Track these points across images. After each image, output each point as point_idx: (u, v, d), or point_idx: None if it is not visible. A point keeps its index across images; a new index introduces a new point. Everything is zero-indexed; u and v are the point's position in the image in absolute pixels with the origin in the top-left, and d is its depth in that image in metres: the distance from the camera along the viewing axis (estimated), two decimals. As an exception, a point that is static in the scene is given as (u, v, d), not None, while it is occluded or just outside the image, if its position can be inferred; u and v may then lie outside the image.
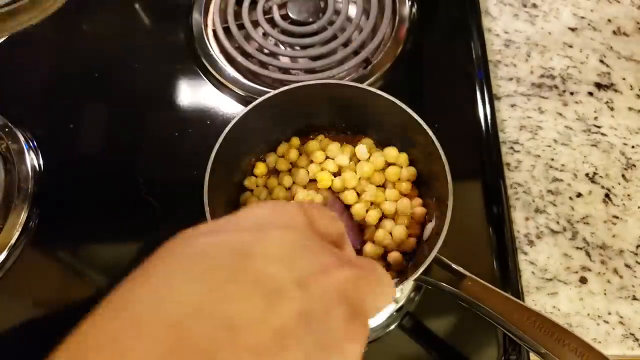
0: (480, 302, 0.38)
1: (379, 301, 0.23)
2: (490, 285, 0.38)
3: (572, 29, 0.63)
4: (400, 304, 0.48)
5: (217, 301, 0.18)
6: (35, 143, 0.57)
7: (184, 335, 0.17)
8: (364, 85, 0.46)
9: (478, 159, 0.55)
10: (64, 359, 0.17)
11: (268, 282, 0.19)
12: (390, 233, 0.45)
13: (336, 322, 0.20)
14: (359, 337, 0.21)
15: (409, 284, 0.48)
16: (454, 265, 0.40)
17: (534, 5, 0.65)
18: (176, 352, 0.17)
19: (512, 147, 0.57)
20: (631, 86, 0.60)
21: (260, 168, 0.49)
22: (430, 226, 0.44)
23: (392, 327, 0.48)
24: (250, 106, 0.44)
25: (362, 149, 0.48)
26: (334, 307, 0.20)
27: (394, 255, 0.44)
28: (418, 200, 0.47)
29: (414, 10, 0.64)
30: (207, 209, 0.40)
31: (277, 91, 0.45)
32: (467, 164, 0.55)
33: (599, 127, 0.58)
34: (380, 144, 0.50)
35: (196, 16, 0.64)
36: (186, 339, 0.17)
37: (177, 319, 0.17)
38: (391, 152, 0.48)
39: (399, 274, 0.44)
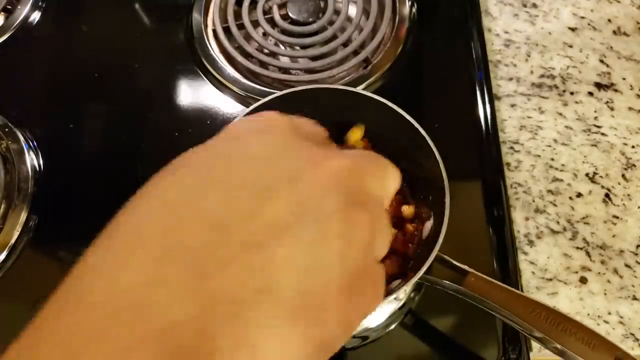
0: (485, 297, 0.38)
1: (383, 181, 0.22)
2: (493, 280, 0.39)
3: (572, 29, 0.63)
4: (402, 302, 0.48)
5: (204, 206, 0.18)
6: (35, 143, 0.57)
7: (176, 240, 0.17)
8: (358, 90, 0.46)
9: (478, 159, 0.55)
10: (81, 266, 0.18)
11: (254, 182, 0.19)
12: None
13: (332, 213, 0.19)
14: (361, 225, 0.20)
15: (410, 283, 0.48)
16: (455, 263, 0.40)
17: (534, 5, 0.65)
18: (169, 256, 0.17)
19: (512, 147, 0.57)
20: (631, 86, 0.60)
21: None
22: (428, 225, 0.44)
23: (394, 326, 0.48)
24: (249, 109, 0.44)
25: None
26: (328, 198, 0.19)
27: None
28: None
29: (414, 10, 0.63)
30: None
31: (277, 94, 0.45)
32: (467, 163, 0.55)
33: (599, 127, 0.58)
34: (375, 144, 0.50)
35: (196, 16, 0.64)
36: (179, 244, 0.17)
37: (167, 227, 0.18)
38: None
39: (400, 274, 0.45)
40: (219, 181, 0.19)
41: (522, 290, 0.49)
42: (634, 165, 0.55)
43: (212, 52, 0.61)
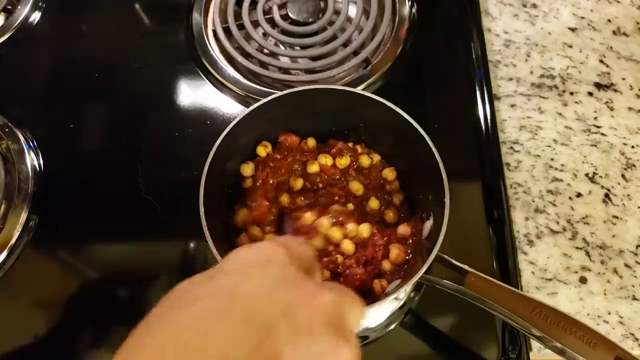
0: (485, 297, 0.38)
1: (358, 317, 0.26)
2: (494, 280, 0.39)
3: (572, 29, 0.63)
4: (402, 302, 0.48)
5: (212, 342, 0.21)
6: (35, 143, 0.57)
7: None
8: (357, 90, 0.46)
9: (478, 159, 0.55)
10: None
11: (256, 318, 0.22)
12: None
13: (324, 345, 0.22)
14: (347, 355, 0.23)
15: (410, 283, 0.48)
16: (455, 262, 0.40)
17: (534, 5, 0.65)
18: None
19: (512, 147, 0.57)
20: (631, 86, 0.60)
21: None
22: (428, 224, 0.44)
23: (393, 325, 0.48)
24: (249, 109, 0.44)
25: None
26: (320, 332, 0.23)
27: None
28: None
29: (414, 10, 0.64)
30: (201, 210, 0.40)
31: (277, 94, 0.45)
32: (467, 164, 0.55)
33: (598, 127, 0.58)
34: (374, 144, 0.50)
35: (196, 16, 0.64)
36: None
37: None
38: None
39: (399, 271, 0.45)
40: (224, 317, 0.22)
41: (522, 290, 0.49)
42: (634, 165, 0.55)
43: (212, 53, 0.61)
